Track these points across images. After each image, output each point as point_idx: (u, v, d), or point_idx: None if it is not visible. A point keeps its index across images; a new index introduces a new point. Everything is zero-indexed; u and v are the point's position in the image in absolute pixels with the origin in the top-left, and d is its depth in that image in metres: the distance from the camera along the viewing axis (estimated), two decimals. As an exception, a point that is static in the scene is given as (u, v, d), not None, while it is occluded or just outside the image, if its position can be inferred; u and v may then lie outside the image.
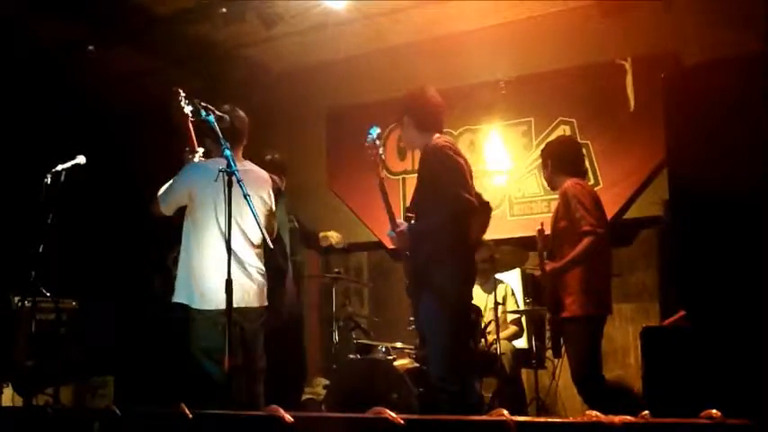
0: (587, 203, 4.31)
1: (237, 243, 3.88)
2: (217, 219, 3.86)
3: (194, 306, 3.88)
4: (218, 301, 3.58)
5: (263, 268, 4.12)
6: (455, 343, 3.88)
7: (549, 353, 5.83)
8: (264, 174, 4.34)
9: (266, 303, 4.12)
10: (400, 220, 4.05)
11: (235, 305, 3.55)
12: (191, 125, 3.98)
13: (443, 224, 3.84)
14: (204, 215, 3.91)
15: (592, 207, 4.32)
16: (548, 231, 4.62)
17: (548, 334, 4.83)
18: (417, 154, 4.21)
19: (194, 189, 3.95)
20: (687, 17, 5.53)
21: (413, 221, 3.99)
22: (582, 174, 4.69)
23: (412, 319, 4.28)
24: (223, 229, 3.73)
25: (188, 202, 4.01)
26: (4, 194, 5.81)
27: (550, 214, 6.11)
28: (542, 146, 5.06)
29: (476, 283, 5.84)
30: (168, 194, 4.05)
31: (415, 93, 4.18)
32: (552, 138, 6.27)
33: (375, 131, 4.20)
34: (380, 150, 4.21)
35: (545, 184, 6.13)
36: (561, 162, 4.59)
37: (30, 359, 4.96)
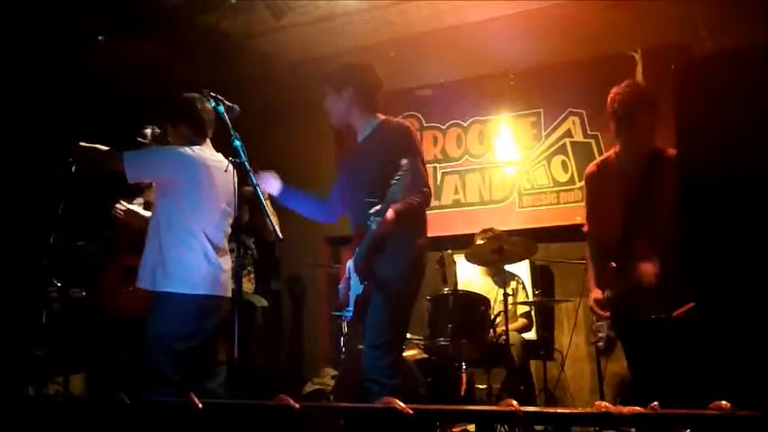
0: None
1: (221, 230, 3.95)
2: (202, 207, 3.88)
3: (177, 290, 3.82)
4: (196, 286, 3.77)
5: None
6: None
7: (558, 345, 5.85)
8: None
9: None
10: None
11: (225, 294, 3.88)
12: None
13: (418, 210, 3.61)
14: (191, 203, 3.87)
15: None
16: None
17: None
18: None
19: (178, 175, 3.87)
20: (698, 7, 5.50)
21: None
22: None
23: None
24: (209, 217, 3.88)
25: (162, 184, 3.94)
26: (12, 186, 5.82)
27: (559, 206, 6.19)
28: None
29: (486, 274, 5.90)
30: (142, 166, 3.91)
31: (366, 67, 3.83)
32: (561, 130, 6.28)
33: None
34: None
35: (554, 175, 6.19)
36: None
37: (40, 348, 4.99)
